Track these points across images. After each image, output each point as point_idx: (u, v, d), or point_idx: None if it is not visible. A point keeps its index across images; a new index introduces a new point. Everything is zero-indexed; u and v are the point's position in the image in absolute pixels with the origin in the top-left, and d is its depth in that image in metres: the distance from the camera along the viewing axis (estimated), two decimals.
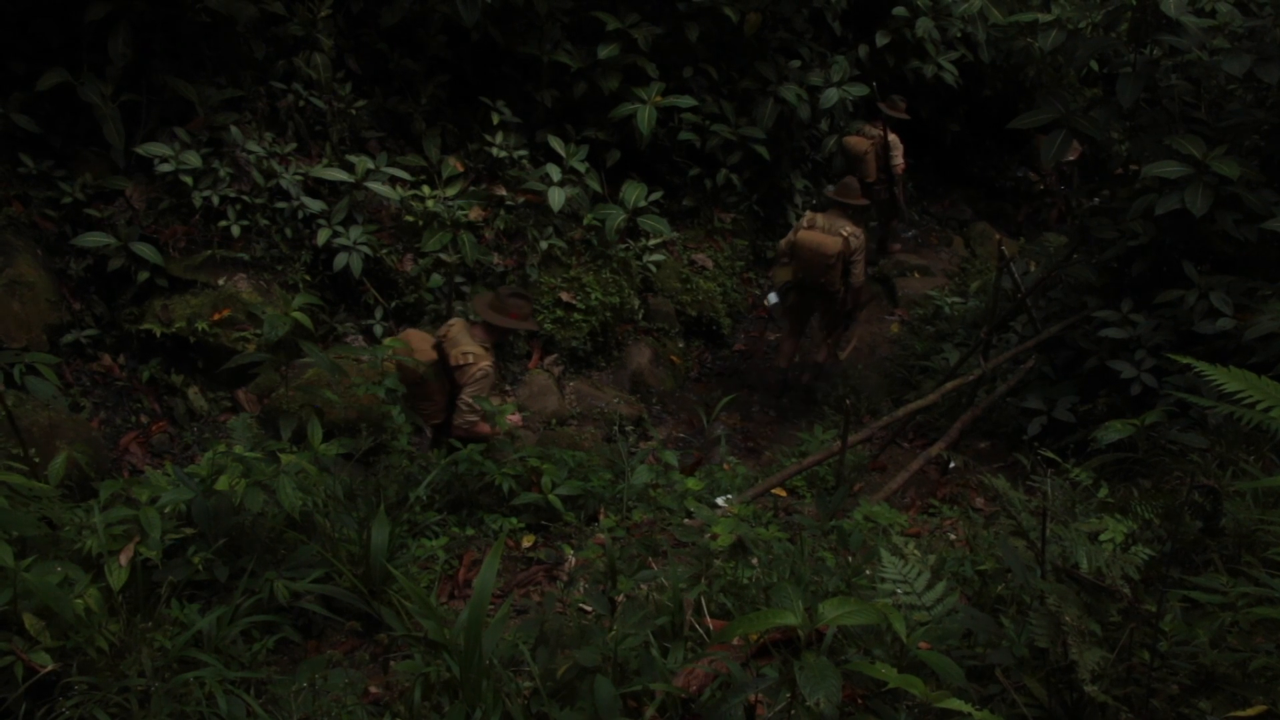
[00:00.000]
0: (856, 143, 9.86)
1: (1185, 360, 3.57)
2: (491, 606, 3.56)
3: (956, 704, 2.17)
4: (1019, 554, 2.88)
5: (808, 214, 8.15)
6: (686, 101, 9.16)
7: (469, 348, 5.82)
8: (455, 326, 6.01)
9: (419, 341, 5.94)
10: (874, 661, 2.55)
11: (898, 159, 9.98)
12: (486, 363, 5.83)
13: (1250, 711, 2.34)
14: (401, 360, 5.75)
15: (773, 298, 8.42)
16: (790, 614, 2.37)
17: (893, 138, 9.94)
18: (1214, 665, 2.57)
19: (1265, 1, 6.18)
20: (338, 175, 7.57)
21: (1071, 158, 9.85)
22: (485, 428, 5.90)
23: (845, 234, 7.87)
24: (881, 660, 2.65)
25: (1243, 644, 2.63)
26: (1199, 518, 3.33)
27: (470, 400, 5.78)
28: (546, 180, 8.41)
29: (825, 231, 7.88)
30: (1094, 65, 10.17)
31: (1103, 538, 3.29)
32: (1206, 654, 2.59)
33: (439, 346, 5.90)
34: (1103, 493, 4.24)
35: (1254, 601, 2.76)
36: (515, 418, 6.17)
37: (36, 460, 5.03)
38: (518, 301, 6.02)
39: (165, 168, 6.90)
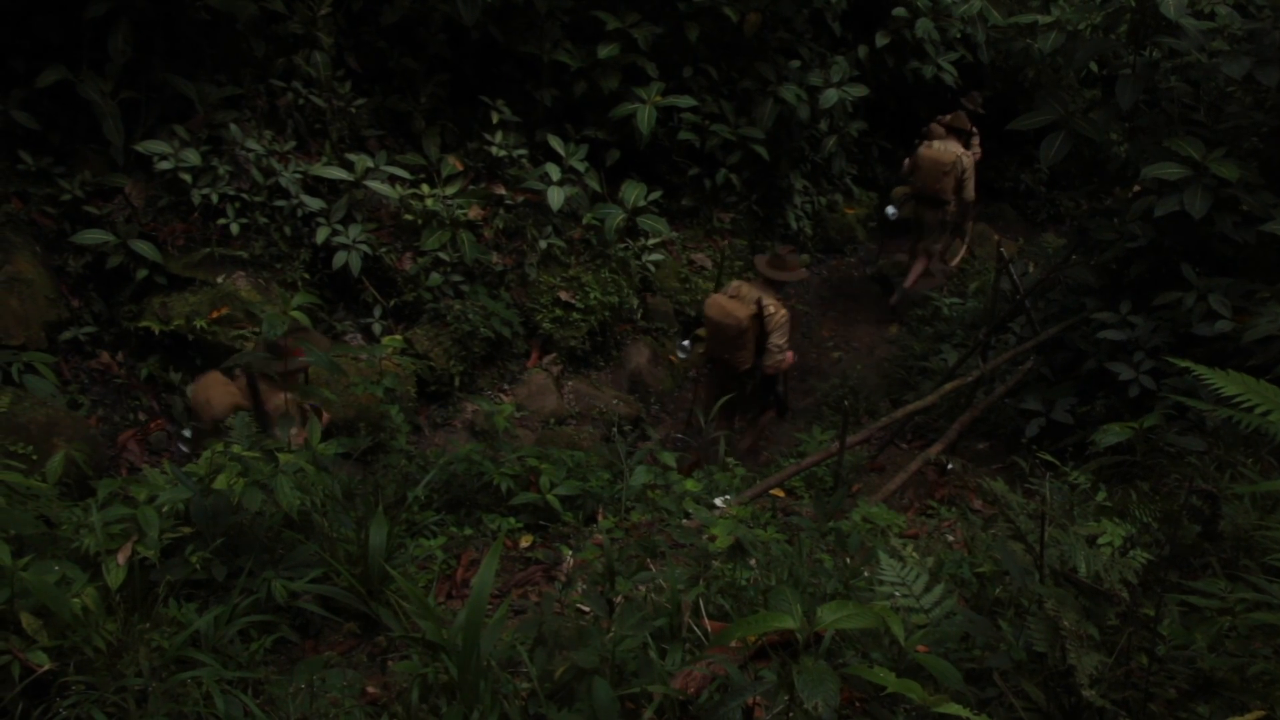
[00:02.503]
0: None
1: (1183, 364, 3.57)
2: (489, 607, 3.56)
3: (954, 708, 2.17)
4: (1017, 558, 2.88)
5: (925, 141, 9.58)
6: (686, 101, 9.16)
7: (769, 300, 6.96)
8: (743, 287, 7.12)
9: (730, 304, 6.98)
10: (872, 665, 2.55)
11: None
12: (785, 311, 7.06)
13: (1248, 717, 2.34)
14: (722, 320, 6.92)
15: (891, 211, 9.80)
16: (788, 618, 2.37)
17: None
18: (1212, 670, 2.57)
19: (1264, 4, 6.19)
20: (337, 173, 7.56)
21: None
22: (787, 361, 7.17)
23: (958, 154, 9.45)
24: (879, 663, 2.65)
25: (1241, 649, 2.63)
26: (1197, 522, 3.33)
27: (780, 342, 6.99)
28: (546, 179, 8.41)
29: (942, 151, 9.45)
30: (1093, 67, 10.18)
31: (1101, 541, 3.30)
32: (1205, 659, 2.59)
33: (758, 302, 6.97)
34: (1101, 496, 4.24)
35: (1252, 606, 2.76)
36: None
37: (34, 458, 5.05)
38: (793, 257, 7.22)
39: (164, 165, 6.90)
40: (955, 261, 10.37)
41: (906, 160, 9.75)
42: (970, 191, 9.66)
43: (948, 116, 9.97)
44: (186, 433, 5.51)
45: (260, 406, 5.21)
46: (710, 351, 7.16)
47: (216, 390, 5.28)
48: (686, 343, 7.70)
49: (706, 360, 7.30)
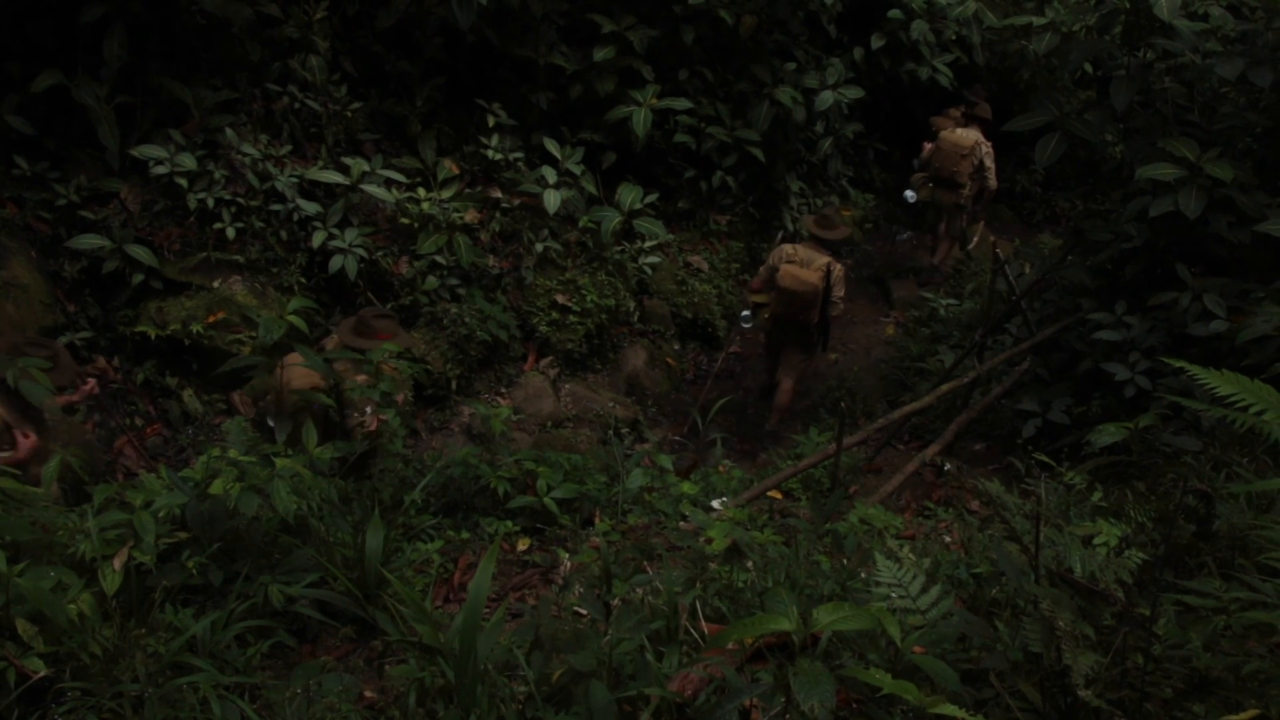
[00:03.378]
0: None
1: (1178, 364, 3.58)
2: (486, 610, 3.56)
3: (950, 709, 2.17)
4: (1013, 558, 2.89)
5: (950, 124, 10.07)
6: (682, 104, 9.17)
7: (827, 260, 7.73)
8: (799, 250, 7.81)
9: (803, 273, 7.65)
10: (868, 666, 2.56)
11: None
12: (841, 265, 7.87)
13: (1243, 716, 2.34)
14: (799, 288, 7.59)
15: (910, 194, 10.15)
16: (784, 619, 2.37)
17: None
18: (1207, 669, 2.58)
19: (1257, 5, 6.20)
20: (333, 177, 7.56)
21: None
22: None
23: (978, 139, 9.86)
24: (876, 664, 2.65)
25: (1235, 648, 2.64)
26: (1192, 521, 3.34)
27: (841, 294, 7.86)
28: (542, 182, 8.41)
29: (962, 135, 9.86)
30: (1088, 68, 10.20)
31: (1097, 541, 3.30)
32: (1200, 658, 2.60)
33: (827, 266, 7.67)
34: (1096, 496, 4.25)
35: (1246, 605, 2.76)
36: None
37: None
38: (837, 215, 7.98)
39: (160, 170, 6.89)
40: (973, 245, 10.74)
41: (926, 145, 10.11)
42: (993, 180, 10.13)
43: (960, 108, 10.23)
44: (271, 422, 5.68)
45: (338, 387, 5.42)
46: (782, 315, 7.88)
47: (296, 369, 5.46)
48: (748, 313, 8.34)
49: (773, 323, 8.02)
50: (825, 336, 8.24)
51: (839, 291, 7.81)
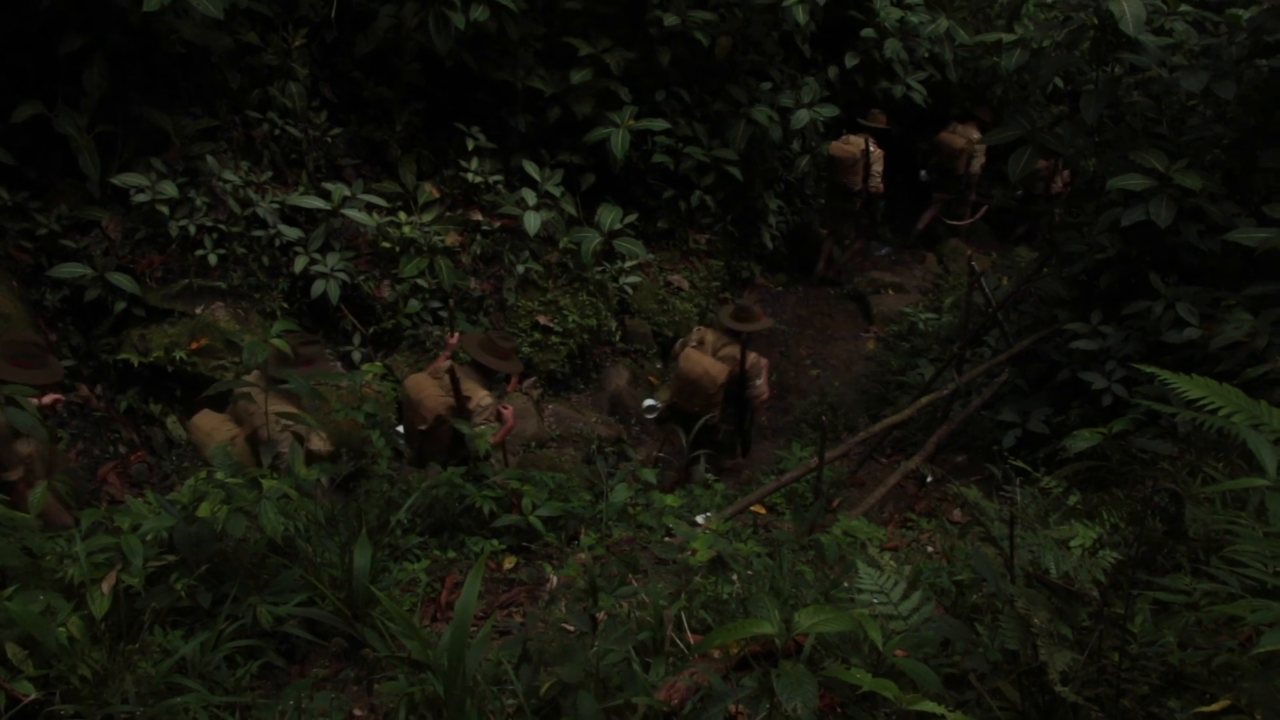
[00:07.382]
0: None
1: (1151, 370, 3.65)
2: (474, 627, 3.58)
3: (930, 706, 2.21)
4: (990, 560, 2.94)
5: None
6: (659, 124, 9.26)
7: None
8: (959, 126, 11.11)
9: (951, 137, 11.18)
10: (850, 669, 2.60)
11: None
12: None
13: (1215, 707, 2.40)
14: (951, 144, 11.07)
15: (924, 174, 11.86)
16: (767, 623, 2.41)
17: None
18: (1182, 665, 2.63)
19: (1219, 20, 6.33)
20: (314, 203, 7.60)
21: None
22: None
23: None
24: (858, 668, 2.69)
25: (1208, 641, 2.69)
26: (1163, 520, 3.39)
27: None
28: (522, 205, 8.47)
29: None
30: (1059, 83, 10.35)
31: (1072, 543, 3.35)
32: (1174, 654, 2.65)
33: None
34: (1073, 500, 4.31)
35: (1217, 600, 2.82)
36: None
37: None
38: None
39: (141, 198, 6.92)
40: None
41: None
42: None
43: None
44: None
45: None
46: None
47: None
48: (924, 171, 11.43)
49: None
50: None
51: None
